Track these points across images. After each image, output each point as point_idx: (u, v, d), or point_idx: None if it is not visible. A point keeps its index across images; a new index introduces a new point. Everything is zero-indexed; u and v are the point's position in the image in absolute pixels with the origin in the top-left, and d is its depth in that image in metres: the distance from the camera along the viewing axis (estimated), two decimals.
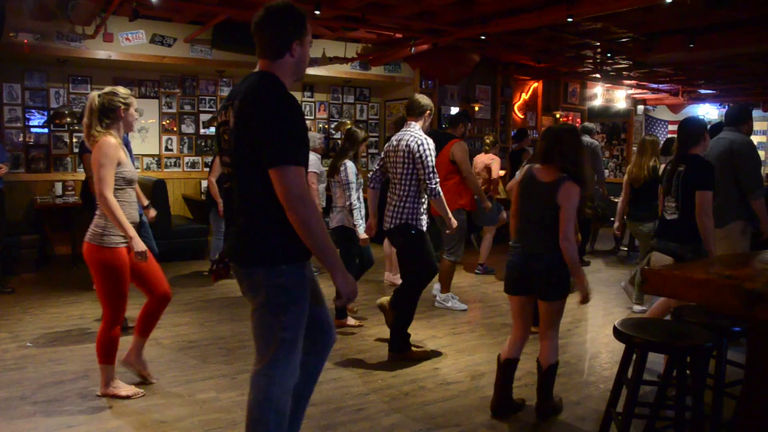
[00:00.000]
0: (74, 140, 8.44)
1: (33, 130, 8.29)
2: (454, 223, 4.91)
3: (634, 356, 2.90)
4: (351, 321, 5.44)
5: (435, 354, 4.74)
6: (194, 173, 9.39)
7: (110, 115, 3.65)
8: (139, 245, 3.62)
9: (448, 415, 3.70)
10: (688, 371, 2.81)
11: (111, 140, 3.60)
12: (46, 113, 8.30)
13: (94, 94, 3.66)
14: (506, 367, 3.67)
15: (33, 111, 8.26)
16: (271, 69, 2.44)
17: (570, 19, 6.51)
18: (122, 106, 3.68)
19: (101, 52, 7.64)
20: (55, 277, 7.14)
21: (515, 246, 3.58)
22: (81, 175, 7.82)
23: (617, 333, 2.82)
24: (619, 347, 4.99)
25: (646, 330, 2.79)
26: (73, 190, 8.23)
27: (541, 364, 3.58)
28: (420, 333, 5.12)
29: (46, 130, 8.35)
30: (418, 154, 4.44)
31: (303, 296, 2.45)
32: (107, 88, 3.72)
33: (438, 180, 4.51)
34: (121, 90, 3.73)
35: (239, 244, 2.44)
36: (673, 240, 4.01)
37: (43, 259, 7.75)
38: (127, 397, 3.77)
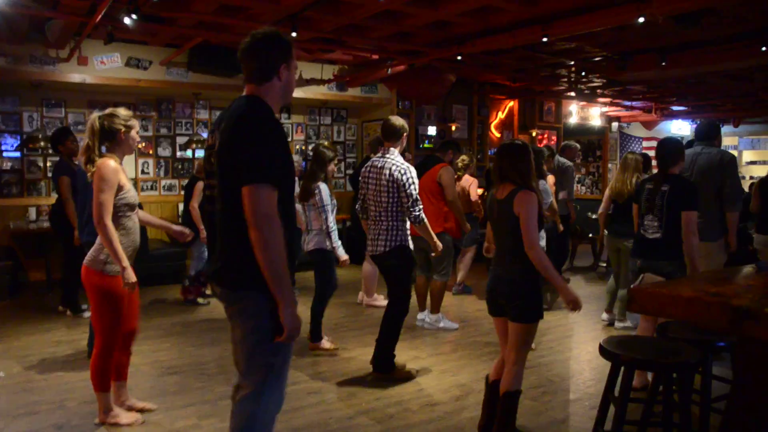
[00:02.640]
0: (48, 164, 8.32)
1: (6, 154, 8.14)
2: (440, 246, 4.89)
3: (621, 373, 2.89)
4: (326, 344, 5.32)
5: (417, 375, 4.70)
6: (171, 196, 9.28)
7: (111, 138, 3.57)
8: (131, 276, 3.51)
9: None
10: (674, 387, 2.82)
11: (111, 163, 3.50)
12: (18, 137, 8.17)
13: (95, 115, 3.57)
14: (494, 388, 3.61)
15: (5, 135, 8.12)
16: (258, 93, 2.45)
17: (545, 39, 6.60)
18: (123, 129, 3.59)
19: (76, 75, 7.55)
20: (28, 304, 6.98)
21: (490, 269, 3.60)
22: (54, 199, 7.66)
23: (603, 351, 2.81)
24: (603, 364, 5.00)
25: (632, 347, 2.79)
26: (47, 215, 8.07)
27: (501, 388, 3.39)
28: (402, 354, 5.07)
29: (18, 154, 8.21)
30: (401, 183, 4.46)
31: None
32: (108, 110, 3.63)
33: (421, 207, 4.52)
34: (122, 112, 3.63)
35: (228, 267, 2.40)
36: (661, 258, 4.02)
37: (17, 286, 7.58)
38: (128, 425, 3.70)
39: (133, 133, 3.65)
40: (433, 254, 5.10)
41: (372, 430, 3.73)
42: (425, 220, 4.56)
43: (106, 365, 3.63)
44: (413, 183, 4.47)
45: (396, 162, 4.53)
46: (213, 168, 2.47)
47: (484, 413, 3.65)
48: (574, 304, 3.33)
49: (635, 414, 3.57)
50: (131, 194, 3.62)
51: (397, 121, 4.71)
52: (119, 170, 3.55)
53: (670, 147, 4.21)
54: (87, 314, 6.22)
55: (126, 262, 3.49)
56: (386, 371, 4.60)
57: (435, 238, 4.79)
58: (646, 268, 4.03)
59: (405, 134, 4.70)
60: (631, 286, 4.08)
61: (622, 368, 2.81)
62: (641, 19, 5.72)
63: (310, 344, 5.27)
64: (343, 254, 5.19)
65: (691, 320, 2.10)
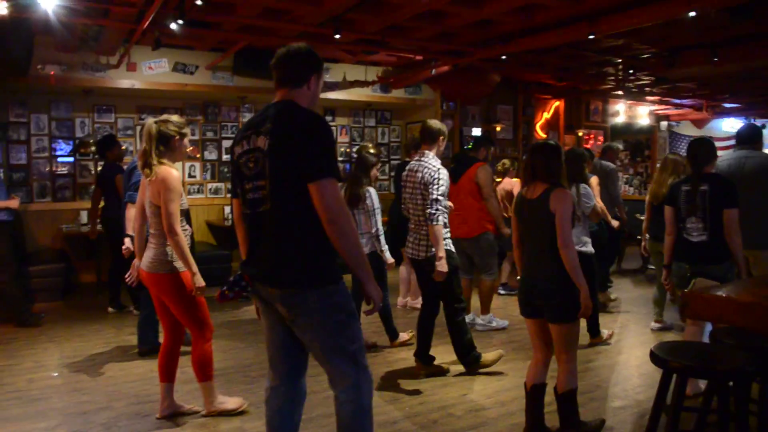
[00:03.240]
0: (99, 168, 8.53)
1: (60, 159, 8.39)
2: (443, 267, 4.40)
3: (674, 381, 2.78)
4: (404, 336, 5.58)
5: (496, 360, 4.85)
6: (217, 199, 9.42)
7: (165, 143, 3.65)
8: (201, 281, 3.63)
9: None
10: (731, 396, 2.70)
11: (175, 173, 3.60)
12: (71, 142, 8.41)
13: (151, 121, 3.65)
14: (534, 394, 3.56)
15: (59, 140, 8.37)
16: (291, 97, 2.56)
17: (591, 36, 6.47)
18: (177, 136, 3.68)
19: (125, 81, 7.73)
20: (80, 306, 7.17)
21: (523, 269, 3.57)
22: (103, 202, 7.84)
23: (654, 357, 2.71)
24: (653, 370, 4.86)
25: (685, 354, 2.68)
26: (98, 218, 8.29)
27: (556, 389, 3.47)
28: (446, 358, 5.01)
29: (71, 159, 8.45)
30: (430, 183, 4.41)
31: (354, 309, 2.59)
32: (163, 116, 3.72)
33: (439, 209, 4.36)
34: (176, 118, 3.72)
35: (283, 267, 2.46)
36: (711, 262, 3.89)
37: (69, 288, 7.79)
38: (236, 410, 3.91)
39: (185, 140, 3.72)
40: (433, 275, 4.48)
41: None
42: (439, 224, 4.34)
43: (207, 356, 3.78)
44: (440, 185, 4.39)
45: (429, 165, 4.49)
46: (252, 171, 2.52)
47: (528, 421, 3.57)
48: (585, 312, 3.29)
49: (687, 423, 3.45)
50: (185, 200, 3.75)
51: (435, 124, 4.67)
52: (180, 178, 3.66)
53: (703, 146, 4.15)
54: (135, 312, 6.39)
55: (196, 268, 3.60)
56: (474, 363, 4.73)
57: (442, 252, 4.38)
58: (698, 273, 3.90)
59: (442, 137, 4.65)
60: (684, 291, 3.96)
61: (675, 376, 2.70)
62: (692, 13, 5.55)
63: (391, 343, 5.49)
64: (389, 257, 5.21)
65: (750, 326, 2.00)
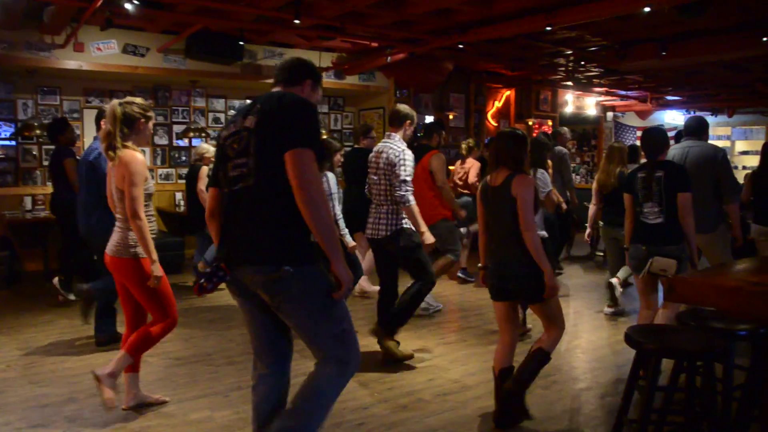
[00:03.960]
0: (43, 153, 8.19)
1: (0, 143, 8.01)
2: (429, 238, 4.67)
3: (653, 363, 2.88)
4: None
5: (408, 357, 4.74)
6: (168, 185, 9.19)
7: (130, 125, 3.54)
8: (159, 270, 3.56)
9: (450, 427, 3.66)
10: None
11: (140, 157, 3.51)
12: (13, 125, 8.04)
13: (115, 102, 3.54)
14: (502, 377, 3.64)
15: (0, 123, 7.99)
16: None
17: (548, 28, 6.58)
18: (142, 119, 3.58)
19: (71, 62, 7.43)
20: (28, 295, 6.90)
21: (491, 254, 3.67)
22: (50, 188, 7.54)
23: (629, 339, 2.81)
24: (610, 353, 5.06)
25: (659, 337, 2.78)
26: (43, 204, 8.00)
27: (535, 344, 3.59)
28: (409, 344, 5.06)
29: (13, 143, 8.08)
30: (394, 164, 4.48)
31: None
32: (127, 98, 3.62)
33: (408, 189, 4.47)
34: (140, 101, 3.62)
35: (261, 241, 2.41)
36: (667, 243, 4.07)
37: (13, 277, 7.48)
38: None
39: (150, 123, 3.63)
40: (425, 244, 4.71)
41: (388, 420, 3.72)
42: (412, 203, 4.47)
43: (151, 339, 3.66)
44: (405, 166, 4.47)
45: (393, 146, 4.56)
46: (236, 151, 2.53)
47: (498, 405, 3.64)
48: (552, 291, 3.43)
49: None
50: (151, 185, 3.64)
51: (404, 108, 4.77)
52: (145, 162, 3.56)
53: (657, 136, 4.35)
54: (72, 297, 6.23)
55: (156, 255, 3.52)
56: (390, 334, 4.70)
57: (423, 227, 4.59)
58: (654, 253, 4.07)
59: (409, 122, 4.73)
60: (642, 272, 4.12)
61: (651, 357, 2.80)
62: (647, 9, 5.72)
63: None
64: (350, 240, 5.26)
65: (733, 310, 2.09)
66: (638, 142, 9.96)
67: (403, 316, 4.72)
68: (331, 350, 2.48)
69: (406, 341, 5.05)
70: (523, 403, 3.65)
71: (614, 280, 6.14)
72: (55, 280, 6.33)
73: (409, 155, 4.52)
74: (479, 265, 3.82)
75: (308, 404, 2.47)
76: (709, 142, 5.34)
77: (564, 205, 7.27)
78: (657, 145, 4.29)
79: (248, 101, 2.75)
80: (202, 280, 2.51)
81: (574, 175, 13.83)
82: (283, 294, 2.42)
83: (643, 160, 4.67)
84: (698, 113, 14.58)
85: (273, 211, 2.40)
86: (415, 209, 4.50)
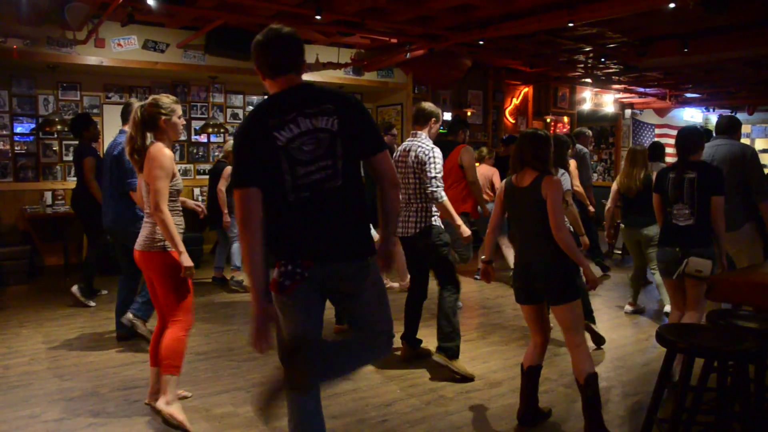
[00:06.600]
0: (64, 148, 8.25)
1: (21, 138, 8.08)
2: (466, 231, 4.74)
3: (682, 361, 2.85)
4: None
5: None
6: (186, 181, 9.21)
7: (153, 127, 3.53)
8: (188, 260, 3.53)
9: (474, 424, 3.64)
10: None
11: (166, 151, 3.49)
12: (34, 120, 8.10)
13: (137, 105, 3.53)
14: (530, 375, 3.61)
15: (21, 118, 8.05)
16: (302, 82, 2.63)
17: (570, 24, 6.53)
18: (163, 117, 3.52)
19: (92, 57, 7.47)
20: (48, 289, 6.96)
21: (517, 255, 3.63)
22: (71, 183, 7.59)
23: (660, 338, 2.77)
24: (632, 351, 5.02)
25: (691, 336, 2.75)
26: (63, 200, 8.05)
27: (577, 378, 3.39)
28: (430, 343, 5.04)
29: (33, 138, 8.14)
30: (425, 162, 4.42)
31: None
32: (150, 98, 3.58)
33: (439, 185, 4.43)
34: (164, 99, 3.57)
35: (359, 238, 2.60)
36: (696, 246, 4.00)
37: (34, 271, 7.54)
38: (176, 425, 3.45)
39: (174, 118, 3.57)
40: (461, 239, 4.83)
41: (410, 417, 3.71)
42: (445, 199, 4.45)
43: (181, 345, 3.55)
44: (435, 163, 4.43)
45: (423, 144, 4.51)
46: (314, 153, 2.45)
47: (523, 401, 3.63)
48: (594, 284, 3.53)
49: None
50: (179, 180, 3.63)
51: (429, 106, 4.69)
52: (173, 157, 3.55)
53: (690, 135, 4.25)
54: (92, 303, 6.24)
55: (183, 247, 3.50)
56: (452, 357, 4.44)
57: (459, 221, 4.62)
58: (687, 255, 4.01)
59: (434, 119, 4.65)
60: (675, 274, 4.06)
61: (683, 356, 2.76)
62: (672, 5, 5.66)
63: (336, 326, 5.42)
64: (376, 235, 5.22)
65: None
66: (659, 140, 9.91)
67: (453, 335, 4.50)
68: (387, 325, 2.71)
69: (430, 339, 5.03)
70: (601, 420, 3.38)
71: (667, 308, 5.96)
72: (74, 288, 6.24)
73: (438, 153, 4.49)
74: (482, 257, 3.79)
75: (350, 365, 2.75)
76: None
77: (591, 208, 7.30)
78: (691, 145, 4.18)
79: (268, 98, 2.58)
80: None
81: (591, 172, 13.80)
82: (366, 281, 2.59)
83: (669, 159, 4.60)
84: (716, 111, 14.45)
85: (358, 209, 2.59)
86: (449, 204, 4.50)
